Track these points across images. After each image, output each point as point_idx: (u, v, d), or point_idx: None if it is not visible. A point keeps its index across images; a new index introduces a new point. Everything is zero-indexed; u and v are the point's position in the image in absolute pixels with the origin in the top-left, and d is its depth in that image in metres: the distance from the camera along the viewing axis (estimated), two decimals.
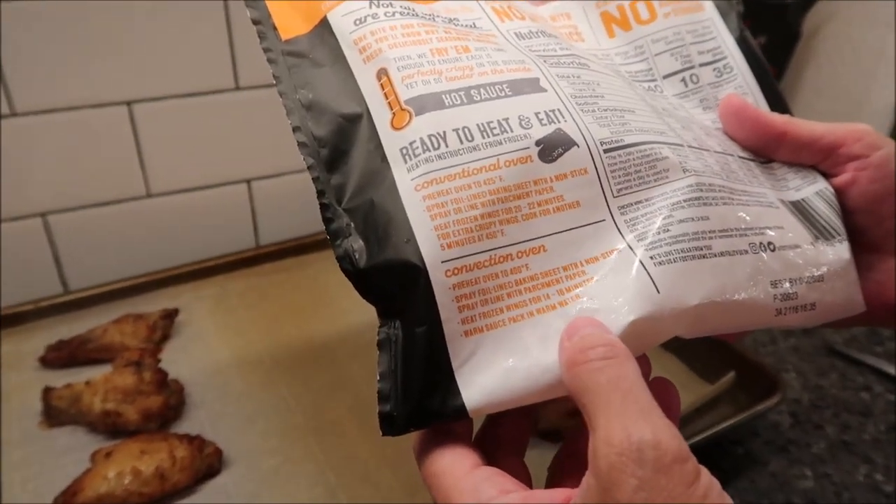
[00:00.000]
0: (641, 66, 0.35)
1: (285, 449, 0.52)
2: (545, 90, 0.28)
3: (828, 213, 0.32)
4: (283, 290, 0.71)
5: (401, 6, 0.30)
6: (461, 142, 0.26)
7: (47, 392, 0.53)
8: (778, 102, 0.35)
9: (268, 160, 0.75)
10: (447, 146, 0.26)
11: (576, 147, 0.27)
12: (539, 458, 0.28)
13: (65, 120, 0.64)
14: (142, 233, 0.72)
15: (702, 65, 0.35)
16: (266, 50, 0.30)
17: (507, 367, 0.25)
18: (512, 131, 0.27)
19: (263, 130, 0.73)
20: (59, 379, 0.55)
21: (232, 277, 0.72)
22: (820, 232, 0.31)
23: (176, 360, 0.59)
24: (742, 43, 0.36)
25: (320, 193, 0.27)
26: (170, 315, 0.63)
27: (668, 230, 0.27)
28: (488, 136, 0.27)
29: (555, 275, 0.26)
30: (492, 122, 0.27)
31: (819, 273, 0.30)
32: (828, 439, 0.57)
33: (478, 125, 0.27)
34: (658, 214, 0.27)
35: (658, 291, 0.25)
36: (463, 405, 0.24)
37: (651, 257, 0.26)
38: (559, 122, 0.27)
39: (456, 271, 0.25)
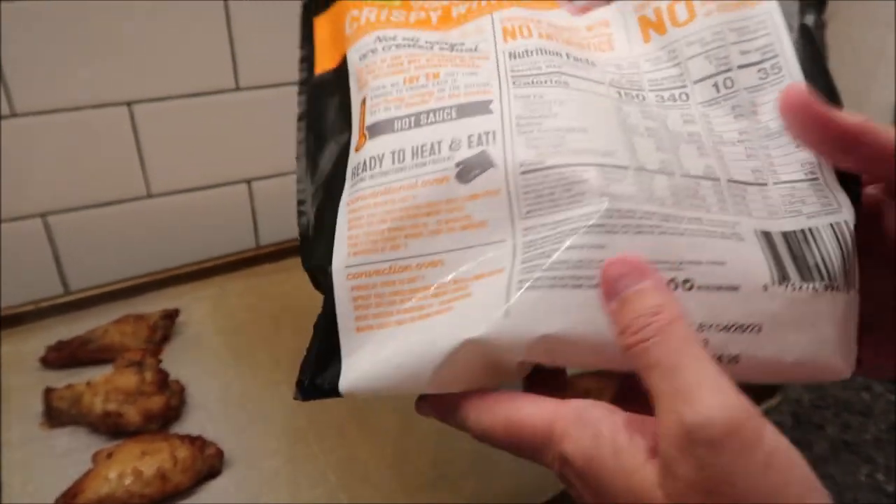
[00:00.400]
0: (672, 72, 0.32)
1: (286, 450, 0.52)
2: (492, 112, 0.29)
3: (830, 250, 0.26)
4: (283, 290, 0.70)
5: (403, 37, 0.33)
6: (393, 163, 0.29)
7: (48, 393, 0.53)
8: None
9: (268, 160, 0.75)
10: (381, 167, 0.30)
11: (493, 168, 0.28)
12: None
13: (65, 120, 0.64)
14: (142, 233, 0.72)
15: (741, 66, 0.31)
16: (301, 83, 0.35)
17: (383, 361, 0.28)
18: (439, 153, 0.29)
19: (263, 130, 0.73)
20: (60, 379, 0.55)
21: (232, 278, 0.72)
22: (799, 273, 0.26)
23: (176, 361, 0.59)
24: (801, 39, 0.31)
25: (301, 203, 0.33)
26: (170, 315, 0.63)
27: (550, 255, 0.26)
28: (417, 158, 0.29)
29: (444, 287, 0.28)
30: (425, 144, 0.29)
31: (748, 322, 0.25)
32: (829, 439, 0.57)
33: (412, 148, 0.29)
34: (553, 239, 0.26)
35: (506, 315, 0.26)
36: (338, 387, 0.29)
37: (521, 280, 0.26)
38: (487, 144, 0.28)
39: (356, 276, 0.29)
